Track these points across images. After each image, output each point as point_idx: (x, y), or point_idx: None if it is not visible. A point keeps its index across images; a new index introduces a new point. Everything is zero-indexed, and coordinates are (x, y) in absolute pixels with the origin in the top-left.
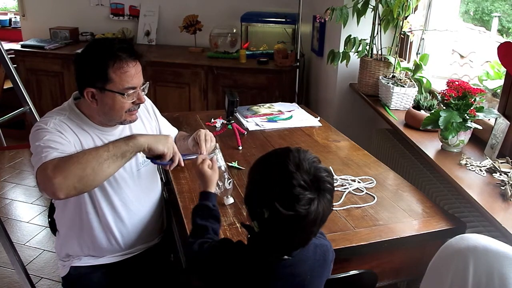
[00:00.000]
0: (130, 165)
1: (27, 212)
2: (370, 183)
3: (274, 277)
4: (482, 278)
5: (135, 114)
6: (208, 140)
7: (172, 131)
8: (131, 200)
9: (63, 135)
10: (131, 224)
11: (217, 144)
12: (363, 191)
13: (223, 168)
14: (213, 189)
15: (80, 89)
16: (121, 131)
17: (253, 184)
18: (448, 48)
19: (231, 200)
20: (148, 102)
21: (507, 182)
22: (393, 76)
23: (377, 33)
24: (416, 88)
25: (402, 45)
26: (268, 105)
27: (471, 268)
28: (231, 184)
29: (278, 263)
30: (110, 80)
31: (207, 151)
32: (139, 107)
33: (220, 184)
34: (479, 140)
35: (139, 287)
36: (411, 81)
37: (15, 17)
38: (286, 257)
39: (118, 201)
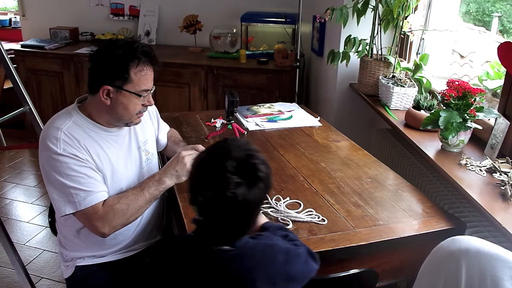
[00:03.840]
0: (136, 164)
1: (27, 212)
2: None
3: (217, 268)
4: (475, 280)
5: (141, 116)
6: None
7: (165, 128)
8: None
9: (78, 159)
10: (134, 222)
11: None
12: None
13: None
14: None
15: (95, 86)
16: (127, 131)
17: (191, 172)
18: (448, 48)
19: None
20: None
21: (507, 182)
22: (393, 76)
23: (377, 33)
24: (416, 88)
25: (402, 45)
26: (268, 105)
27: (463, 270)
28: None
29: (221, 254)
30: (130, 81)
31: None
32: (146, 109)
33: None
34: (479, 140)
35: (143, 284)
36: (411, 81)
37: (15, 17)
38: (227, 247)
39: None
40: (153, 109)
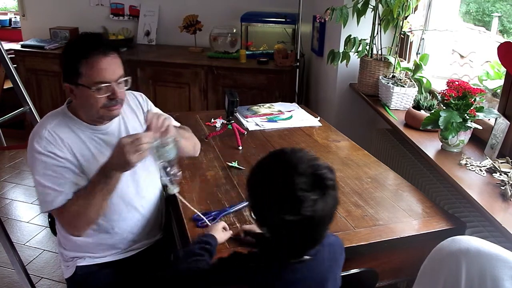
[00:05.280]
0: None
1: (27, 212)
2: None
3: (297, 278)
4: (475, 280)
5: (115, 110)
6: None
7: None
8: (131, 197)
9: (56, 158)
10: (134, 221)
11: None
12: None
13: (172, 156)
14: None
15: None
16: (116, 128)
17: (255, 194)
18: (448, 48)
19: (176, 189)
20: (140, 96)
21: (507, 182)
22: (393, 76)
23: (377, 33)
24: (416, 88)
25: (402, 45)
26: (268, 105)
27: (463, 270)
28: (178, 174)
29: (298, 264)
30: (80, 75)
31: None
32: (117, 102)
33: (167, 170)
34: (479, 140)
35: (144, 284)
36: (411, 81)
37: (15, 17)
38: (306, 257)
39: (117, 197)
40: (142, 99)
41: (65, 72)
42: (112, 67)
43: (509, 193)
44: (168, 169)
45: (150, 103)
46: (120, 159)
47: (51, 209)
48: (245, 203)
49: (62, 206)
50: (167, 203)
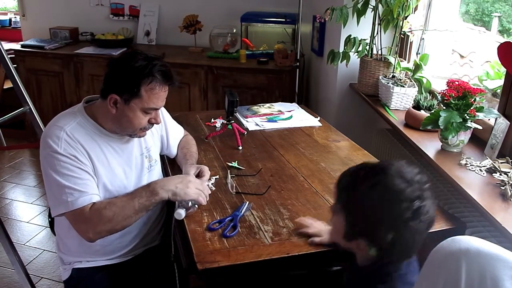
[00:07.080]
0: (137, 170)
1: (27, 212)
2: None
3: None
4: (475, 280)
5: (146, 131)
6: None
7: (178, 134)
8: None
9: (76, 160)
10: (133, 227)
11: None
12: None
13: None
14: None
15: (105, 92)
16: (130, 138)
17: (367, 214)
18: (448, 48)
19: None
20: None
21: (507, 182)
22: (393, 76)
23: (377, 33)
24: (416, 88)
25: (402, 45)
26: (268, 105)
27: (463, 271)
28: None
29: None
30: (139, 96)
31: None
32: (153, 126)
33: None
34: (479, 140)
35: (140, 286)
36: (411, 81)
37: (15, 17)
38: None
39: None
40: (162, 111)
41: (119, 85)
42: (164, 96)
43: (509, 193)
44: (183, 202)
45: (165, 113)
46: (182, 190)
47: (71, 210)
48: (248, 204)
49: (84, 207)
50: (168, 207)
